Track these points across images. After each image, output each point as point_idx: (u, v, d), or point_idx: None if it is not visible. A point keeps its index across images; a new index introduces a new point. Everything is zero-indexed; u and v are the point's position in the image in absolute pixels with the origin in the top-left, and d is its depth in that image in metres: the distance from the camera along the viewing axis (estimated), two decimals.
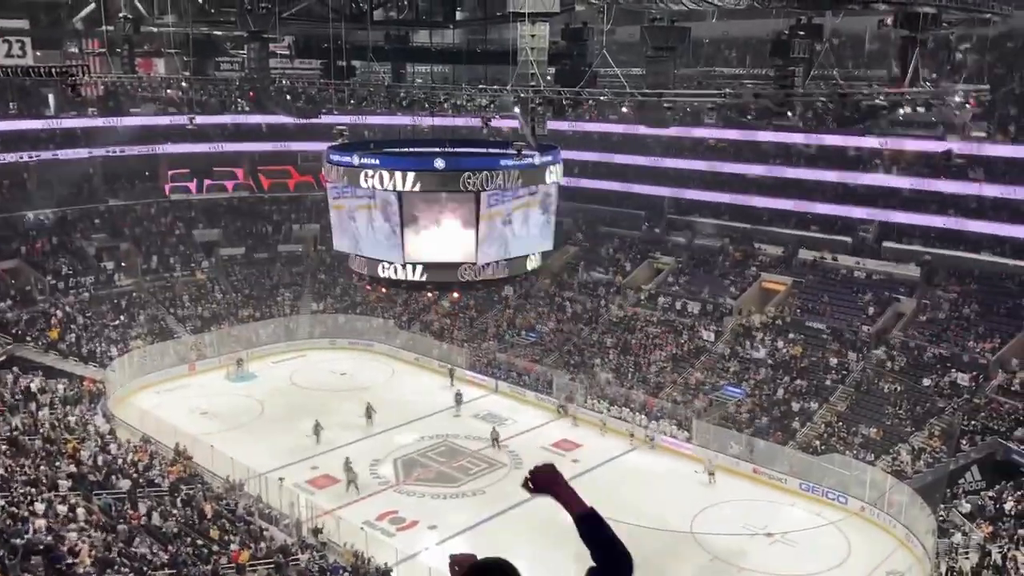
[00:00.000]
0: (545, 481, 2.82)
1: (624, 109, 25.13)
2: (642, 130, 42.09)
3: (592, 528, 2.72)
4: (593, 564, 2.77)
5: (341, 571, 23.49)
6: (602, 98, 23.48)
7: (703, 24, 37.63)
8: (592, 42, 24.49)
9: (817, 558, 25.93)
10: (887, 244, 39.97)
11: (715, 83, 32.89)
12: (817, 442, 32.11)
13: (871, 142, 38.42)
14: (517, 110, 23.93)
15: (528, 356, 41.29)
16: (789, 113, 23.17)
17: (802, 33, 21.47)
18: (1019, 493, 25.73)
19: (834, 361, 35.79)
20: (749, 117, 23.91)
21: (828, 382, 35.04)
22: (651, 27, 22.57)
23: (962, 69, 24.54)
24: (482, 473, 31.55)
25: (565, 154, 32.00)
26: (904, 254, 39.20)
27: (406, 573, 24.34)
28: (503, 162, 25.99)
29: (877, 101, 21.82)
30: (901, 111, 23.23)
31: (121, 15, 25.68)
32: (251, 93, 27.44)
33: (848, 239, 41.17)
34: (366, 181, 25.97)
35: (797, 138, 40.76)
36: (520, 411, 37.29)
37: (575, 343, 41.58)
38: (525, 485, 2.87)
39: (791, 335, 37.78)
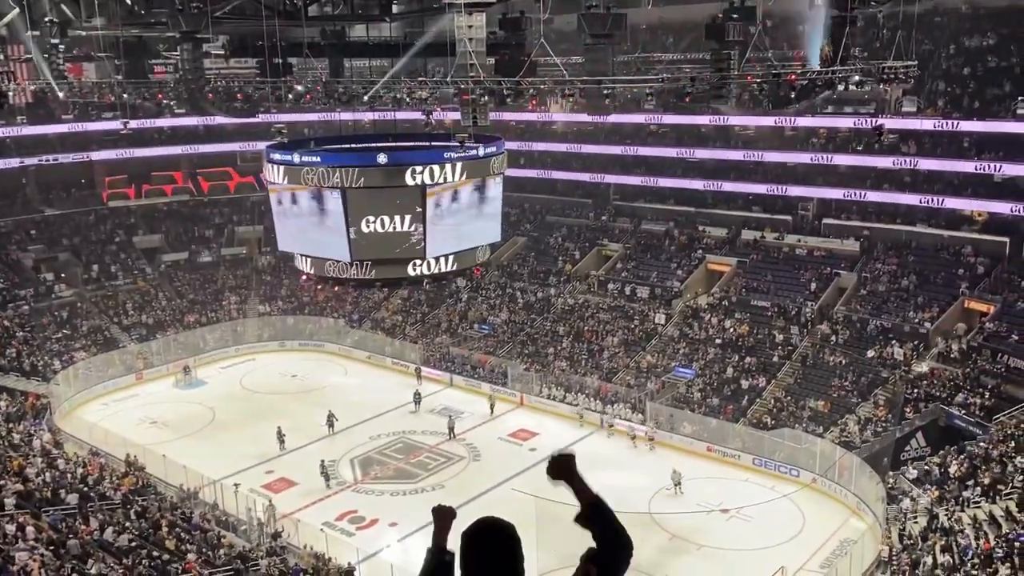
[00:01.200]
0: (565, 470, 2.91)
1: (566, 97, 25.21)
2: (584, 118, 42.45)
3: (600, 515, 2.84)
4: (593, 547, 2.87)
5: (302, 574, 23.29)
6: (542, 87, 23.53)
7: (639, 11, 38.01)
8: (530, 31, 24.55)
9: (773, 531, 26.47)
10: (827, 221, 40.88)
11: (653, 69, 33.24)
12: (767, 417, 32.76)
13: (806, 121, 39.26)
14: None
15: (482, 348, 41.32)
16: (730, 96, 23.48)
17: (736, 16, 21.77)
18: (962, 457, 26.56)
19: (780, 337, 36.51)
20: (687, 101, 24.14)
21: (775, 358, 35.73)
22: (588, 15, 22.68)
23: (892, 45, 25.11)
24: (441, 467, 31.54)
25: (509, 145, 32.08)
26: (843, 230, 40.14)
27: (368, 572, 24.23)
28: (447, 155, 25.96)
29: (812, 80, 22.25)
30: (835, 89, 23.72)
31: (47, 19, 24.98)
32: (185, 95, 26.91)
33: (789, 218, 41.99)
34: (308, 179, 25.74)
35: (734, 120, 41.41)
36: (476, 404, 37.27)
37: (528, 333, 41.73)
38: (548, 472, 2.96)
39: (737, 314, 38.43)
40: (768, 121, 40.43)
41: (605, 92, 23.44)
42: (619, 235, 46.13)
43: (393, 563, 23.58)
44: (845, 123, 38.75)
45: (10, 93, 25.58)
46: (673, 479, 28.89)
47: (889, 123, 35.00)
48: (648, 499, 28.43)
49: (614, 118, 40.99)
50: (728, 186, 43.12)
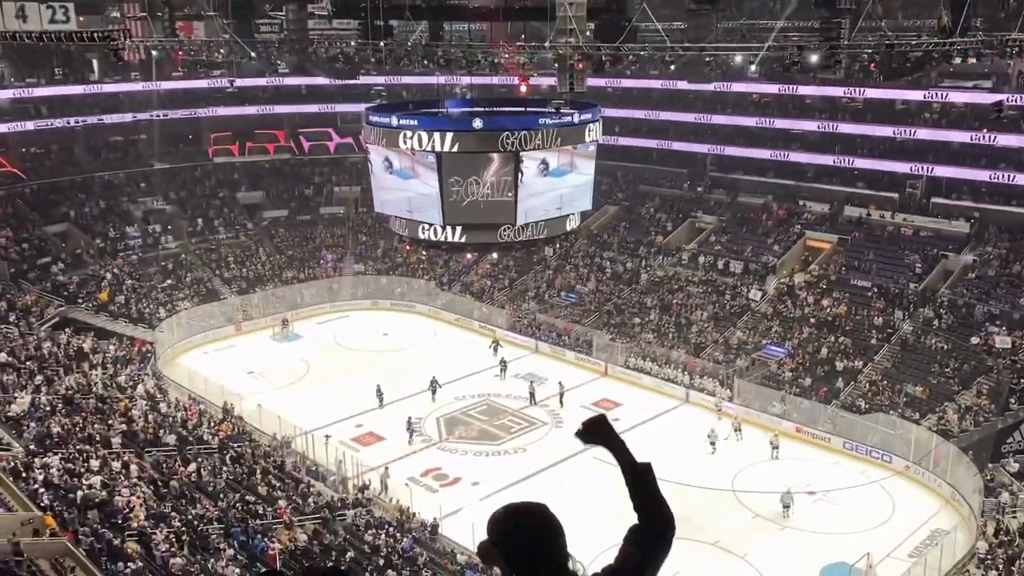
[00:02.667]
0: (597, 431, 2.80)
1: (669, 65, 24.72)
2: (683, 86, 41.53)
3: (641, 481, 2.69)
4: (636, 524, 2.74)
5: (387, 526, 23.97)
6: (642, 53, 23.11)
7: None
8: None
9: (860, 516, 25.80)
10: (936, 200, 39.12)
11: (758, 36, 32.18)
12: (861, 401, 31.81)
13: (917, 95, 37.49)
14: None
15: (568, 317, 41.30)
16: (837, 66, 22.61)
17: None
18: None
19: (879, 320, 35.30)
20: (795, 70, 23.34)
21: (873, 340, 34.59)
22: None
23: (1018, 16, 23.65)
24: (523, 431, 31.82)
25: (604, 112, 31.70)
26: (953, 210, 38.35)
27: (450, 528, 24.79)
28: (541, 121, 25.85)
29: (928, 51, 21.21)
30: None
31: None
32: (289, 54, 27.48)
33: (895, 195, 40.35)
34: (405, 142, 26.03)
35: (841, 92, 39.85)
36: (560, 371, 37.38)
37: (615, 303, 41.48)
38: (578, 435, 2.85)
39: (835, 293, 37.28)
40: (876, 93, 38.78)
41: (707, 60, 22.89)
42: (714, 207, 45.18)
43: (474, 522, 23.99)
44: (960, 97, 36.85)
45: (125, 50, 26.60)
46: (783, 501, 25.94)
47: (1010, 98, 33.18)
48: (732, 477, 28.08)
49: (714, 86, 40.01)
50: (829, 159, 41.62)
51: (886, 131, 39.62)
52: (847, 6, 21.60)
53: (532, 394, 33.99)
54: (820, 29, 22.00)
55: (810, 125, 41.94)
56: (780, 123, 42.78)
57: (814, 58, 22.73)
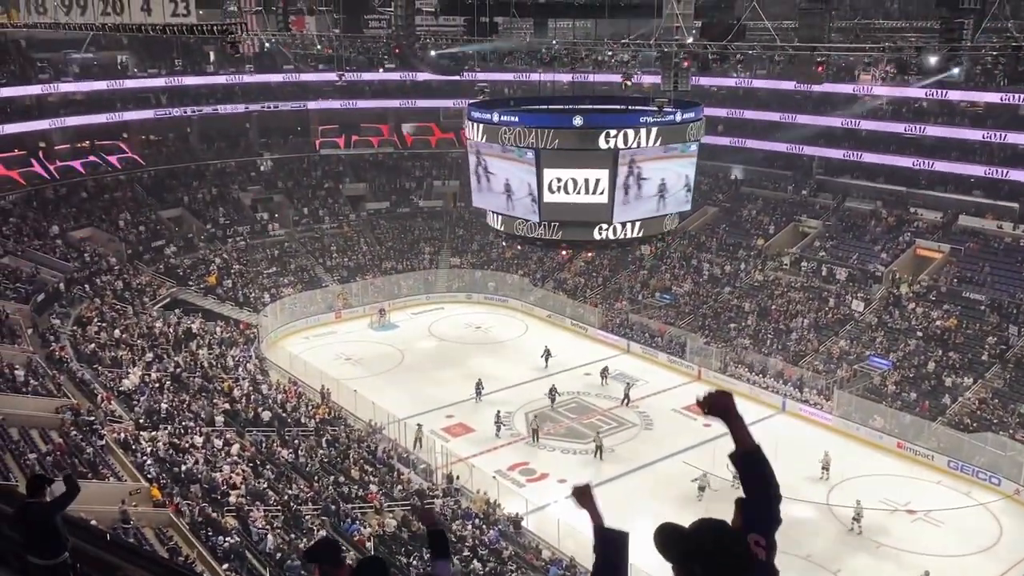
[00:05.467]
0: (720, 406, 2.82)
1: (776, 64, 24.07)
2: (789, 86, 40.43)
3: (755, 464, 2.78)
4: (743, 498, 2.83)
5: (473, 517, 24.22)
6: (751, 52, 22.60)
7: None
8: None
9: (963, 539, 24.70)
10: None
11: (873, 37, 31.00)
12: (969, 419, 30.38)
13: None
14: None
15: (662, 318, 40.79)
16: (955, 70, 21.61)
17: None
18: None
19: (992, 336, 33.59)
20: (911, 74, 22.39)
21: (984, 357, 32.97)
22: None
23: None
24: (612, 431, 31.62)
25: (707, 111, 31.13)
26: None
27: (535, 523, 24.87)
28: (643, 119, 25.56)
29: None
30: None
31: None
32: (396, 50, 27.99)
33: (1015, 205, 38.30)
34: (505, 138, 26.17)
35: (955, 95, 38.01)
36: (651, 372, 37.00)
37: (711, 307, 40.75)
38: (699, 404, 2.88)
39: (946, 306, 35.68)
40: (994, 98, 36.81)
41: (818, 59, 22.23)
42: (819, 211, 43.85)
43: (560, 518, 24.02)
44: None
45: (241, 43, 27.63)
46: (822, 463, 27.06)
47: None
48: (827, 490, 27.26)
49: (824, 87, 38.75)
50: (940, 166, 39.76)
51: (1017, 138, 37.49)
52: (971, 6, 20.58)
53: (627, 395, 33.67)
54: (940, 30, 21.05)
55: (934, 130, 40.05)
56: (885, 126, 41.18)
57: (933, 60, 21.84)
